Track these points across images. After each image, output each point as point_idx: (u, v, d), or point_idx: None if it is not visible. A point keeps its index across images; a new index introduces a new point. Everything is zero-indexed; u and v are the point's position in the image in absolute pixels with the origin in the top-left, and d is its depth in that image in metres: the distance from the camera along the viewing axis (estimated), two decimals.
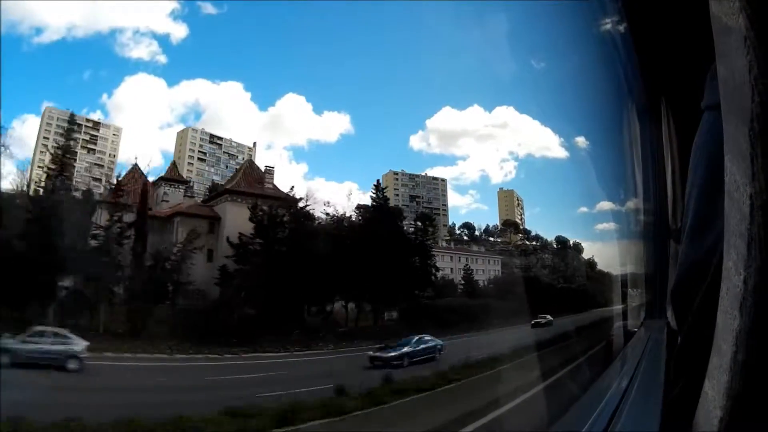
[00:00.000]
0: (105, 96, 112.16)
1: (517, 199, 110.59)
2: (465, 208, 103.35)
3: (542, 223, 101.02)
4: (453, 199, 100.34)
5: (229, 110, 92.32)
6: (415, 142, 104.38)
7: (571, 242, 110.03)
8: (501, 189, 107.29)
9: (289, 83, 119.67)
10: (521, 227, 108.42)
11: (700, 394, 1.11)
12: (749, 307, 0.91)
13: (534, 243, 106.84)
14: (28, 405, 13.57)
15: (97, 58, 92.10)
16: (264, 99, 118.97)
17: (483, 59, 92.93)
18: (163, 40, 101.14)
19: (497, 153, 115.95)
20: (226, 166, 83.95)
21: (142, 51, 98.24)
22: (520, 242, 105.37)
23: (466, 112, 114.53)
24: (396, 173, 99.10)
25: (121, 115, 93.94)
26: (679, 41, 3.04)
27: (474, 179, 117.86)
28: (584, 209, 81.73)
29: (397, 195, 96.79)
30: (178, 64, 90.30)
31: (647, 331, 5.58)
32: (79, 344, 23.79)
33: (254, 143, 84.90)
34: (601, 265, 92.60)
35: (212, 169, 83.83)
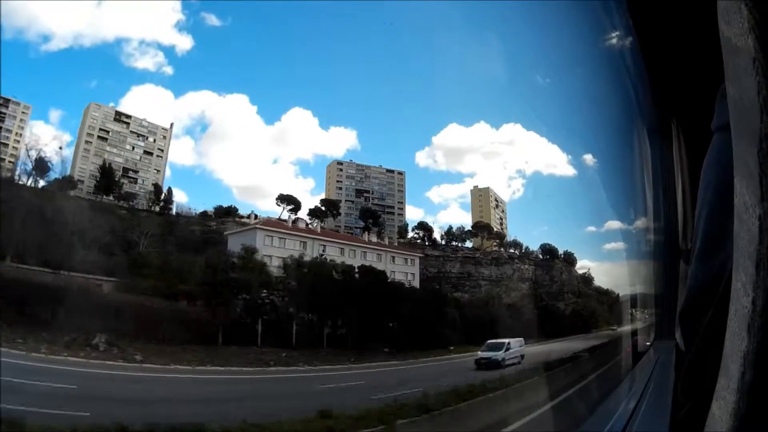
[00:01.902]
0: (112, 105, 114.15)
1: (496, 200, 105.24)
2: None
3: (549, 241, 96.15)
4: (459, 216, 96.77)
5: (236, 123, 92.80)
6: (422, 158, 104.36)
7: (561, 253, 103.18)
8: (475, 186, 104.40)
9: (296, 97, 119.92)
10: (497, 231, 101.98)
11: (708, 414, 1.10)
12: (757, 329, 0.90)
13: (512, 251, 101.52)
14: None
15: (104, 67, 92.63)
16: (270, 112, 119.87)
17: (490, 76, 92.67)
18: (168, 52, 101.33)
19: (504, 171, 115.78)
20: (132, 147, 75.86)
21: (148, 62, 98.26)
22: (493, 248, 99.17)
23: (472, 129, 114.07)
24: (340, 163, 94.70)
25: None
26: (689, 62, 3.04)
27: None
28: (592, 228, 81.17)
29: (340, 189, 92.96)
30: (184, 75, 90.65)
31: (656, 352, 5.53)
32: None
33: (171, 124, 79.46)
34: (606, 284, 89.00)
35: (114, 150, 74.25)
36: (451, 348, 49.46)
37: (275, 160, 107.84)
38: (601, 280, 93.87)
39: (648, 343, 6.97)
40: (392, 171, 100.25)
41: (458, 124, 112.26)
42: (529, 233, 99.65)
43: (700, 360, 1.49)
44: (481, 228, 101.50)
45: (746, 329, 0.92)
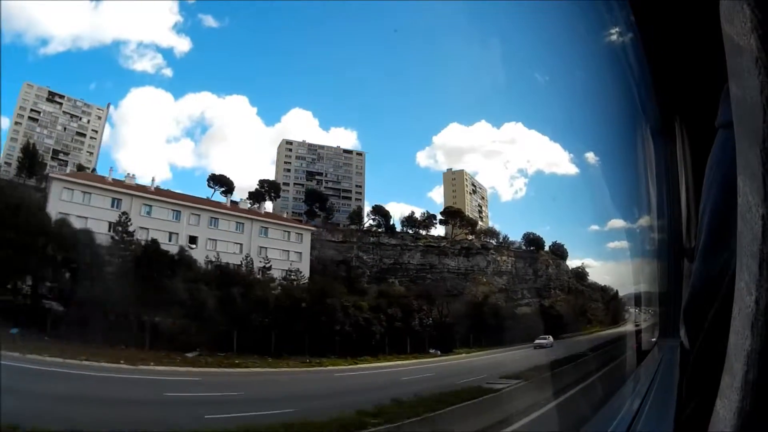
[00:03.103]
0: (111, 108, 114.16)
1: (474, 185, 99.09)
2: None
3: (551, 240, 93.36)
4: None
5: (236, 125, 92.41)
6: (422, 158, 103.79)
7: (548, 244, 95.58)
8: (449, 170, 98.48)
9: (296, 99, 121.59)
10: (470, 218, 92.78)
11: (712, 413, 1.11)
12: (761, 328, 0.91)
13: (487, 240, 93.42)
14: None
15: (102, 69, 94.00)
16: (271, 114, 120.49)
17: (491, 75, 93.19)
18: (167, 54, 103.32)
19: (506, 170, 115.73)
20: (65, 129, 71.05)
21: (146, 64, 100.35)
22: (466, 237, 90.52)
23: (473, 128, 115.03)
24: (289, 142, 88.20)
25: (127, 127, 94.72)
26: (693, 60, 3.04)
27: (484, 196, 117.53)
28: (595, 227, 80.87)
29: (288, 171, 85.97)
30: (183, 77, 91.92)
31: (660, 351, 5.52)
32: None
33: (108, 104, 76.10)
34: (610, 283, 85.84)
35: (45, 131, 69.71)
36: (308, 360, 39.40)
37: (274, 161, 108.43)
38: (604, 279, 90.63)
39: (653, 340, 6.96)
40: (350, 151, 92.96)
41: (459, 124, 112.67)
42: (533, 233, 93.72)
43: (703, 358, 1.50)
44: (451, 214, 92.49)
45: (750, 328, 0.93)
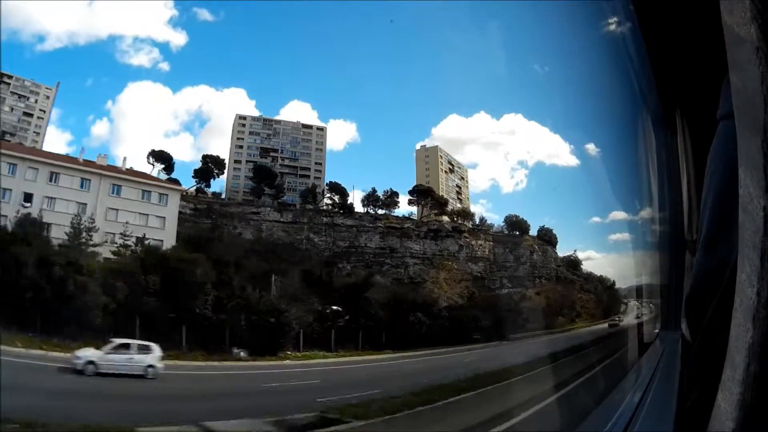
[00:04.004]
0: (110, 103, 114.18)
1: (450, 164, 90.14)
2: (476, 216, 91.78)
3: (555, 233, 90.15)
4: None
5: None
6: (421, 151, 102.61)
7: (533, 229, 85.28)
8: (422, 146, 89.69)
9: (294, 90, 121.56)
10: (440, 197, 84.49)
11: (713, 405, 1.10)
12: (762, 320, 0.90)
13: (461, 222, 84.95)
14: None
15: (100, 65, 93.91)
16: (269, 106, 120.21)
17: (490, 66, 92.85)
18: (163, 48, 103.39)
19: (507, 162, 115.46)
20: (12, 109, 68.16)
21: (143, 58, 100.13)
22: (435, 219, 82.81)
23: (472, 119, 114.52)
24: (243, 117, 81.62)
25: (126, 121, 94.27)
26: (694, 50, 3.02)
27: (484, 188, 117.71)
28: (597, 219, 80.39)
29: (241, 148, 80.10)
30: (180, 71, 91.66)
31: (662, 343, 5.52)
32: None
33: (57, 83, 73.13)
34: (612, 275, 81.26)
35: None
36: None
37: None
38: (607, 271, 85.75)
39: (655, 332, 6.97)
40: (310, 126, 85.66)
41: (458, 115, 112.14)
42: (534, 225, 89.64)
43: (705, 351, 1.49)
44: (421, 193, 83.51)
45: (751, 320, 0.92)
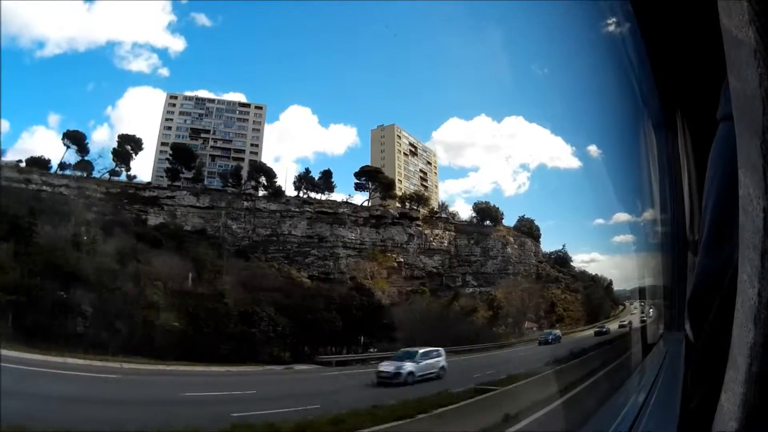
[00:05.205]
0: (110, 108, 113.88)
1: (412, 146, 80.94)
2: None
3: (558, 235, 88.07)
4: (465, 211, 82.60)
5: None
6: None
7: (504, 218, 75.27)
8: (380, 126, 79.88)
9: (294, 95, 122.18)
10: (385, 178, 73.62)
11: (717, 406, 1.11)
12: (764, 321, 0.91)
13: (414, 207, 73.84)
14: None
15: (99, 71, 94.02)
16: (268, 110, 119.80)
17: (490, 69, 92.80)
18: (162, 53, 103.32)
19: (508, 165, 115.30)
20: None
21: (142, 64, 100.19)
22: (378, 204, 72.51)
23: (473, 123, 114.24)
24: (174, 96, 74.84)
25: (126, 127, 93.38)
26: (693, 52, 3.03)
27: (486, 191, 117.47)
28: (600, 221, 79.54)
29: (170, 129, 73.58)
30: (179, 76, 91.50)
31: (666, 345, 5.52)
32: None
33: None
34: (618, 277, 77.51)
35: None
36: None
37: (276, 158, 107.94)
38: (611, 273, 76.39)
39: (659, 333, 6.96)
40: (247, 105, 77.86)
41: (459, 118, 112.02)
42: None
43: (708, 352, 1.50)
44: (369, 175, 73.55)
45: (753, 321, 0.93)
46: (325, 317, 43.55)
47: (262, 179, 71.05)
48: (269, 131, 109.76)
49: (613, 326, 54.42)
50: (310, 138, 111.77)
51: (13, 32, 71.78)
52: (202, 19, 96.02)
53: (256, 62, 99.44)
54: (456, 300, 62.30)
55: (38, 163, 61.54)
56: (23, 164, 60.52)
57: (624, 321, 53.87)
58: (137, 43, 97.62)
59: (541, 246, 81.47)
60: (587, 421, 6.31)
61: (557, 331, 50.69)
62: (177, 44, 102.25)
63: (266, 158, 78.90)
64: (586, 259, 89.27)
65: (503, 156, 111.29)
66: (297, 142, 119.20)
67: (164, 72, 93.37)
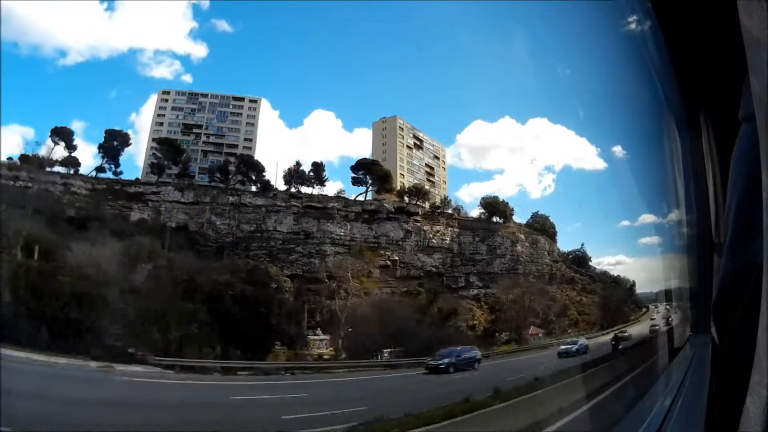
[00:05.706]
0: (133, 115, 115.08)
1: (417, 138, 76.96)
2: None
3: (585, 237, 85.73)
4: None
5: (259, 127, 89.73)
6: (447, 157, 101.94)
7: (513, 213, 70.31)
8: (382, 119, 75.97)
9: (318, 100, 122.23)
10: (381, 170, 69.56)
11: (742, 410, 1.09)
12: None
13: (414, 202, 69.07)
14: None
15: (122, 78, 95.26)
16: (292, 115, 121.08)
17: (514, 70, 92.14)
18: (184, 60, 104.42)
19: (533, 167, 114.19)
20: None
21: (164, 70, 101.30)
22: (373, 198, 68.04)
23: (497, 125, 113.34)
24: (166, 92, 73.31)
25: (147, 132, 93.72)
26: (716, 52, 2.99)
27: (512, 194, 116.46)
28: (626, 222, 78.05)
29: (161, 124, 71.45)
30: (202, 82, 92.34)
31: (692, 348, 5.44)
32: None
33: None
34: (644, 279, 75.81)
35: None
36: None
37: (300, 163, 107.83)
38: (639, 276, 72.13)
39: (686, 336, 6.86)
40: (241, 99, 75.15)
41: (483, 121, 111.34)
42: (563, 230, 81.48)
43: (733, 355, 1.48)
44: (367, 168, 69.82)
45: None
46: (185, 309, 35.84)
47: (252, 174, 68.82)
48: (292, 135, 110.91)
49: (635, 330, 49.80)
50: (335, 142, 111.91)
51: (36, 41, 72.90)
52: (223, 25, 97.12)
53: (279, 67, 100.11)
54: (435, 301, 55.94)
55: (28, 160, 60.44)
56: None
57: (654, 324, 51.06)
58: (159, 50, 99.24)
59: (558, 245, 76.16)
60: (613, 426, 6.23)
61: (583, 340, 42.90)
62: (199, 50, 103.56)
63: (290, 163, 76.67)
64: (612, 262, 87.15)
65: (528, 158, 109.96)
66: (321, 146, 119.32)
67: (187, 78, 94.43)
